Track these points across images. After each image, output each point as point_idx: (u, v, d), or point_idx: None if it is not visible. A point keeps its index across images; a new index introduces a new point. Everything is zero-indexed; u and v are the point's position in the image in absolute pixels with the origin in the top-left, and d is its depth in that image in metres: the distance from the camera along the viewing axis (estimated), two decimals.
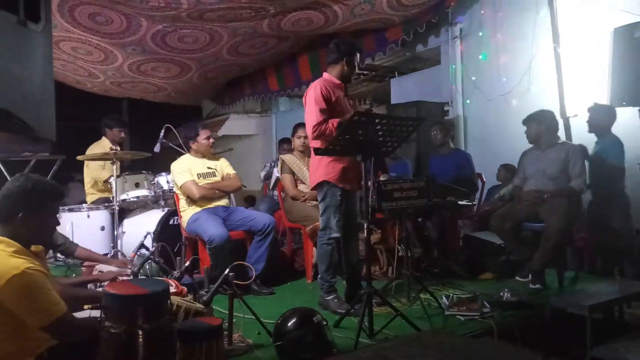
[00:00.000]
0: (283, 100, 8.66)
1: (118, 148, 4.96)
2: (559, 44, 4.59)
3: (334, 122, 2.94)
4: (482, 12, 5.30)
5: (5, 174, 5.11)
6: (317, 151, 2.91)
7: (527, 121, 3.87)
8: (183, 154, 4.22)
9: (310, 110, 3.00)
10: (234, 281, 2.52)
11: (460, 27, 5.53)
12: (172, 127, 4.57)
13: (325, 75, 3.19)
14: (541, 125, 3.79)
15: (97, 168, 4.82)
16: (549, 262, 3.60)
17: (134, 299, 1.86)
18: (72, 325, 1.90)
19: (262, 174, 5.81)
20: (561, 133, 4.11)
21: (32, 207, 1.91)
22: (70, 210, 4.43)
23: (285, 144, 5.59)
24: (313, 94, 3.01)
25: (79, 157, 4.58)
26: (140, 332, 1.82)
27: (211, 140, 4.02)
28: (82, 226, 4.26)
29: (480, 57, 5.32)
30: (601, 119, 3.97)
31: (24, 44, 1.42)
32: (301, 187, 4.23)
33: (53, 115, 1.67)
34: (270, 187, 5.63)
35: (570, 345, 2.90)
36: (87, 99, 7.45)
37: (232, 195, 4.24)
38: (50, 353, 1.88)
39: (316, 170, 3.12)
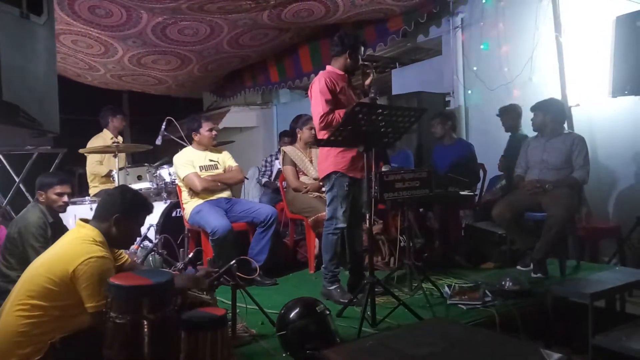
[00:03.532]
0: (284, 92, 8.63)
1: (120, 139, 4.97)
2: (561, 33, 4.56)
3: (340, 113, 2.97)
4: (484, 1, 5.27)
5: (8, 167, 5.14)
6: (320, 142, 2.91)
7: (534, 109, 3.87)
8: (184, 146, 4.23)
9: (316, 101, 3.03)
10: (237, 273, 2.54)
11: (462, 17, 5.49)
12: (174, 120, 4.57)
13: (328, 67, 3.22)
14: (547, 115, 3.79)
15: (94, 163, 4.83)
16: (551, 251, 3.62)
17: (138, 290, 1.89)
18: None
19: (263, 180, 5.79)
20: None
21: (126, 212, 2.20)
22: (73, 202, 4.44)
23: (285, 137, 5.58)
24: (318, 86, 3.05)
25: (81, 150, 4.59)
26: (145, 322, 1.85)
27: (214, 132, 4.03)
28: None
29: (481, 47, 5.30)
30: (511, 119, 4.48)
31: (27, 37, 1.42)
32: (303, 178, 4.24)
33: (57, 109, 1.68)
34: (272, 179, 5.64)
35: (571, 334, 2.92)
36: (88, 92, 7.44)
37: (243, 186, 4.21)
38: (62, 343, 1.94)
39: (325, 161, 3.13)
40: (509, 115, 4.52)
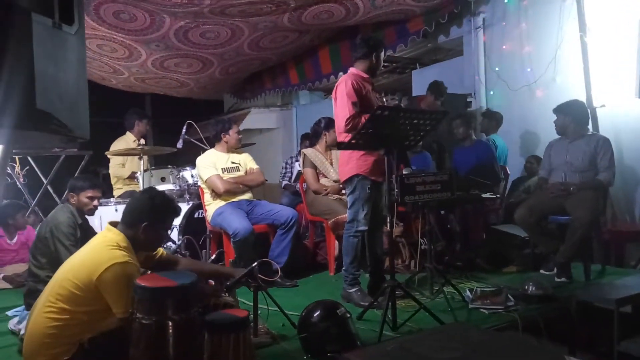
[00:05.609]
0: (303, 93, 8.67)
1: (143, 141, 5.05)
2: (586, 32, 4.48)
3: (366, 117, 2.92)
4: (506, 1, 5.21)
5: (36, 168, 5.28)
6: (340, 145, 2.92)
7: (556, 111, 3.81)
8: (205, 149, 4.29)
9: (342, 103, 3.02)
10: (259, 275, 2.56)
11: (483, 17, 5.44)
12: (194, 123, 4.63)
13: (352, 69, 3.21)
14: (567, 117, 3.73)
15: (117, 166, 4.91)
16: (575, 255, 3.56)
17: (163, 291, 1.92)
18: None
19: (283, 182, 5.82)
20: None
21: (155, 220, 2.19)
22: (99, 204, 4.53)
23: (306, 140, 5.60)
24: (344, 87, 3.03)
25: (107, 153, 4.69)
26: (170, 323, 1.88)
27: (240, 135, 4.12)
28: (110, 219, 4.35)
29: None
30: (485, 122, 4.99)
31: (59, 47, 1.47)
32: (323, 180, 4.25)
33: (87, 115, 1.73)
34: (292, 181, 5.67)
35: (596, 340, 2.87)
36: (112, 95, 7.60)
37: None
38: (90, 343, 1.98)
39: (347, 164, 3.13)
40: (491, 119, 4.94)
